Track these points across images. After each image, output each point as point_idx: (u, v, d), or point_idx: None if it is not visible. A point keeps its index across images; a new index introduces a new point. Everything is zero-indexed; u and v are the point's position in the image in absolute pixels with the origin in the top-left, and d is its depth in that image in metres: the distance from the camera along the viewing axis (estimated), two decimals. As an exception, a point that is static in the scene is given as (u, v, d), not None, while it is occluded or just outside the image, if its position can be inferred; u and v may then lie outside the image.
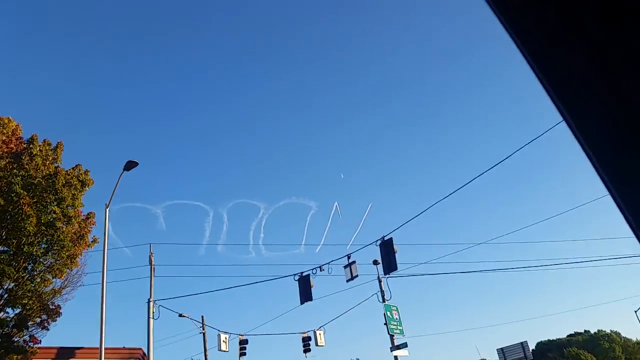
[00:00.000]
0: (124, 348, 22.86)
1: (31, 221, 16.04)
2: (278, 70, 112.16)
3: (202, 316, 35.97)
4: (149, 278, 33.00)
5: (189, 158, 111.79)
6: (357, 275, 20.03)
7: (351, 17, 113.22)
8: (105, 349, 19.38)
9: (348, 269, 19.81)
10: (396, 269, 18.68)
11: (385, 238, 17.98)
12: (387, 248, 17.94)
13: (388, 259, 17.81)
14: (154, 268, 32.99)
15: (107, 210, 20.80)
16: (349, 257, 20.00)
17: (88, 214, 19.04)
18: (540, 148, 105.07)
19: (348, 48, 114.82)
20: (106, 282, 19.47)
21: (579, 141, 0.93)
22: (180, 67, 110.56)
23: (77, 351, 21.45)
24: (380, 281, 30.24)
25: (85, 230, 18.69)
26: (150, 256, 33.35)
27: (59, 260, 17.65)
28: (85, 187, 18.32)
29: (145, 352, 24.72)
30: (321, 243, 62.09)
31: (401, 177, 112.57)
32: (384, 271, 18.75)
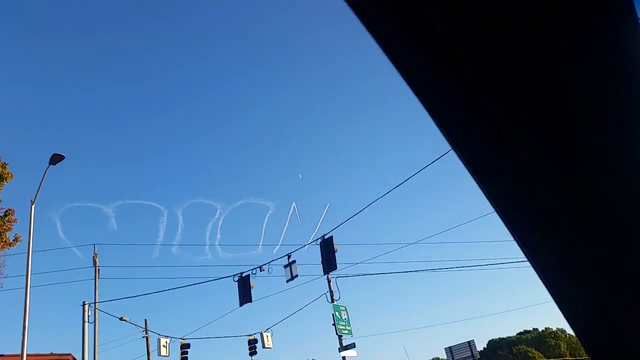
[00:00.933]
0: (50, 354, 21.45)
1: (-63, 218, 14.65)
2: (235, 67, 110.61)
3: (145, 320, 34.61)
4: (93, 280, 31.62)
5: (141, 157, 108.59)
6: (297, 275, 19.46)
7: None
8: (28, 355, 18.08)
9: (288, 268, 19.19)
10: (336, 268, 18.23)
11: (326, 237, 17.49)
12: (327, 247, 17.43)
13: (328, 258, 17.30)
14: (98, 270, 31.48)
15: (33, 207, 19.41)
16: (289, 257, 19.41)
17: (6, 211, 17.65)
18: None
19: (308, 40, 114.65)
20: (30, 284, 18.21)
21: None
22: (140, 63, 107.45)
23: (-3, 359, 19.94)
24: (329, 281, 29.82)
25: (4, 227, 17.30)
26: (94, 257, 31.79)
27: (-28, 261, 16.25)
28: (2, 181, 16.94)
29: (76, 357, 23.34)
30: (279, 244, 61.20)
31: (358, 172, 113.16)
32: (323, 270, 18.27)
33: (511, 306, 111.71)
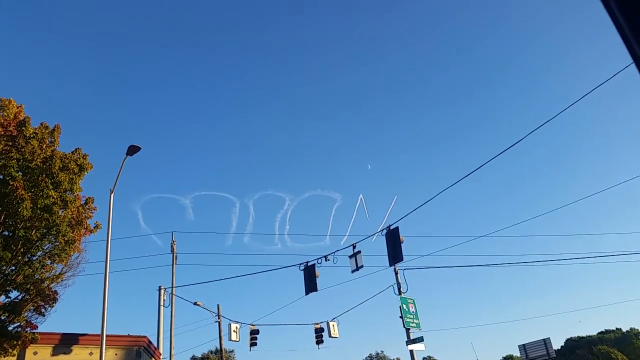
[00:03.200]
0: (127, 335, 22.56)
1: (26, 205, 15.69)
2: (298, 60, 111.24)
3: (218, 305, 35.79)
4: (171, 266, 33.08)
5: (214, 150, 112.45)
6: (362, 266, 19.13)
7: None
8: (107, 336, 19.07)
9: (353, 259, 18.92)
10: (402, 260, 17.73)
11: (392, 227, 17.02)
12: (392, 237, 16.97)
13: (394, 249, 16.84)
14: (175, 256, 32.88)
15: (112, 195, 20.45)
16: (354, 247, 19.11)
17: (87, 199, 18.65)
18: (556, 136, 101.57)
19: (369, 31, 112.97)
20: (109, 268, 19.16)
21: None
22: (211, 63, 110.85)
23: (80, 337, 21.23)
24: (396, 273, 29.28)
25: (85, 215, 18.31)
26: (172, 244, 33.25)
27: (56, 245, 17.32)
28: (83, 171, 17.89)
29: (151, 340, 24.46)
30: (346, 234, 61.39)
31: (428, 165, 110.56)
32: (389, 262, 17.80)
33: (593, 303, 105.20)
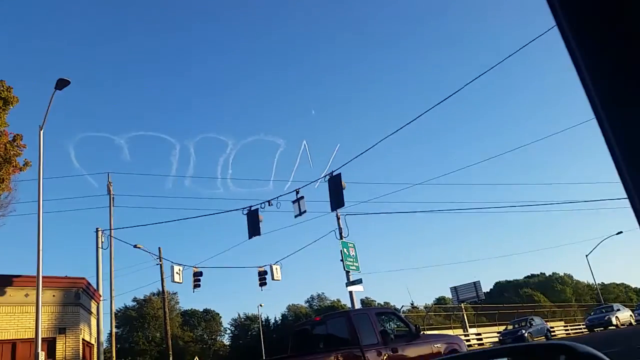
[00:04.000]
0: (65, 277, 22.10)
1: (-55, 139, 14.63)
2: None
3: (159, 248, 35.65)
4: (108, 208, 32.21)
5: (152, 86, 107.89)
6: (305, 211, 19.41)
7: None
8: (44, 277, 18.62)
9: (296, 204, 19.13)
10: (343, 205, 18.13)
11: (334, 174, 17.22)
12: (335, 183, 17.21)
13: (336, 195, 17.12)
14: (113, 197, 32.00)
15: (41, 132, 19.35)
16: (297, 192, 19.28)
17: (15, 136, 17.59)
18: (496, 84, 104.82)
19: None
20: (43, 209, 18.45)
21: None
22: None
23: (14, 279, 20.58)
24: (338, 218, 29.98)
25: (13, 152, 17.31)
26: (108, 185, 32.25)
27: (-18, 184, 16.40)
28: (8, 105, 16.74)
29: (91, 282, 24.12)
30: (290, 180, 61.68)
31: (372, 111, 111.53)
32: (331, 207, 18.14)
33: (520, 249, 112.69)
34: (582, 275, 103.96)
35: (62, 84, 17.02)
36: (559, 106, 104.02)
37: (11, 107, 16.61)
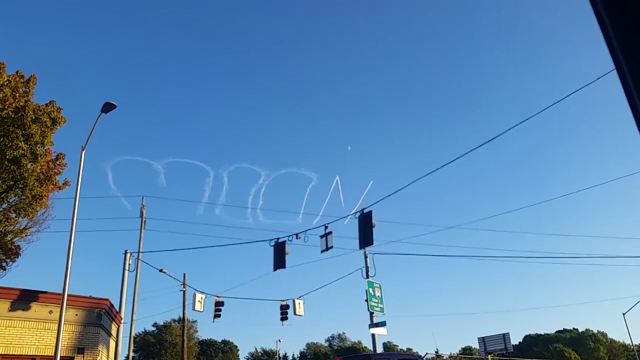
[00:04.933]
0: (89, 297, 22.23)
1: (-7, 155, 15.20)
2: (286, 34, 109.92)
3: (184, 274, 35.67)
4: (139, 230, 32.67)
5: (191, 116, 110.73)
6: (332, 246, 19.19)
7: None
8: (69, 296, 18.78)
9: (324, 239, 18.96)
10: (372, 244, 17.83)
11: (365, 211, 17.06)
12: (365, 221, 17.02)
13: (365, 232, 16.91)
14: (144, 221, 32.49)
15: (83, 153, 19.93)
16: (326, 227, 19.14)
17: (58, 155, 18.15)
18: (535, 135, 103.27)
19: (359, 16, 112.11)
20: (78, 227, 18.77)
21: None
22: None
23: (40, 295, 20.83)
24: (365, 256, 29.54)
25: (54, 171, 17.83)
26: (142, 209, 32.83)
27: (23, 199, 16.87)
28: (56, 125, 17.36)
29: (114, 303, 24.20)
30: (320, 214, 61.59)
31: (407, 153, 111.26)
32: (359, 245, 17.90)
33: (552, 302, 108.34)
34: (618, 334, 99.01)
35: (108, 107, 17.57)
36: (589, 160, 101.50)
37: (58, 127, 17.22)
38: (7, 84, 16.15)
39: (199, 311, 29.04)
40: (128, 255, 27.04)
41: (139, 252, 29.48)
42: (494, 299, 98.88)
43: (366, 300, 28.49)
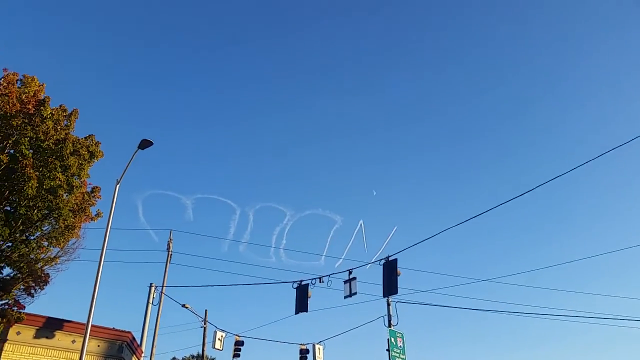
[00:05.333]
0: (112, 329, 22.38)
1: (32, 184, 15.77)
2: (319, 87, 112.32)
3: (206, 310, 35.54)
4: (164, 264, 33.00)
5: (222, 154, 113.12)
6: (355, 293, 18.93)
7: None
8: (93, 326, 18.93)
9: (348, 284, 18.74)
10: (396, 293, 17.50)
11: (390, 258, 16.87)
12: (390, 269, 16.80)
13: (389, 281, 16.65)
14: (171, 255, 32.85)
15: (118, 186, 20.48)
16: (350, 273, 18.94)
17: (93, 188, 18.74)
18: (569, 184, 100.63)
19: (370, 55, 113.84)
20: (105, 258, 19.06)
21: None
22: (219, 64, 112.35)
23: (64, 324, 21.09)
24: (388, 304, 28.92)
25: (89, 202, 18.37)
26: (169, 242, 33.25)
27: (56, 229, 17.36)
28: (93, 158, 18.01)
29: (135, 336, 24.26)
30: (342, 257, 60.97)
31: (434, 200, 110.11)
32: (383, 293, 17.59)
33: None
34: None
35: (145, 144, 18.21)
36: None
37: (96, 160, 17.86)
38: (50, 117, 16.93)
39: (218, 349, 28.78)
40: (153, 288, 27.24)
41: (163, 285, 29.65)
42: (525, 358, 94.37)
43: (387, 350, 27.72)
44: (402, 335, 28.43)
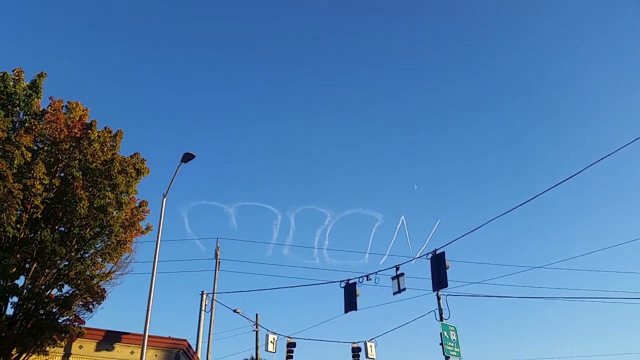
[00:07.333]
0: (169, 338, 23.03)
1: (83, 204, 16.41)
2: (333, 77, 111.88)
3: (257, 314, 36.06)
4: (213, 272, 33.73)
5: (261, 161, 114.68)
6: (404, 289, 18.78)
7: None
8: (149, 336, 19.51)
9: (396, 280, 18.63)
10: (446, 286, 17.26)
11: (437, 252, 16.64)
12: (438, 262, 16.59)
13: (438, 274, 16.45)
14: (219, 262, 33.54)
15: (164, 200, 21.06)
16: (397, 269, 18.81)
17: (141, 202, 19.34)
18: (622, 166, 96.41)
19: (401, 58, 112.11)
20: (157, 269, 19.61)
21: None
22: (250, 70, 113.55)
23: (123, 336, 21.88)
24: (439, 298, 28.57)
25: (138, 217, 18.97)
26: (216, 250, 33.93)
27: (108, 245, 18.01)
28: (140, 175, 18.59)
29: (191, 344, 24.86)
30: (386, 254, 60.56)
31: (476, 194, 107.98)
32: (433, 287, 17.39)
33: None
34: None
35: (187, 157, 18.70)
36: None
37: (142, 177, 18.43)
38: (97, 139, 17.58)
39: (271, 352, 29.09)
40: (204, 296, 27.84)
41: (213, 292, 30.27)
42: (583, 345, 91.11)
43: (441, 344, 27.40)
44: (454, 328, 28.00)
